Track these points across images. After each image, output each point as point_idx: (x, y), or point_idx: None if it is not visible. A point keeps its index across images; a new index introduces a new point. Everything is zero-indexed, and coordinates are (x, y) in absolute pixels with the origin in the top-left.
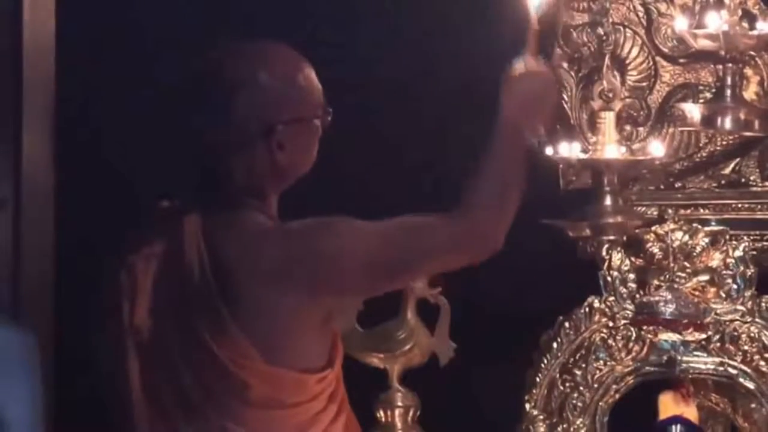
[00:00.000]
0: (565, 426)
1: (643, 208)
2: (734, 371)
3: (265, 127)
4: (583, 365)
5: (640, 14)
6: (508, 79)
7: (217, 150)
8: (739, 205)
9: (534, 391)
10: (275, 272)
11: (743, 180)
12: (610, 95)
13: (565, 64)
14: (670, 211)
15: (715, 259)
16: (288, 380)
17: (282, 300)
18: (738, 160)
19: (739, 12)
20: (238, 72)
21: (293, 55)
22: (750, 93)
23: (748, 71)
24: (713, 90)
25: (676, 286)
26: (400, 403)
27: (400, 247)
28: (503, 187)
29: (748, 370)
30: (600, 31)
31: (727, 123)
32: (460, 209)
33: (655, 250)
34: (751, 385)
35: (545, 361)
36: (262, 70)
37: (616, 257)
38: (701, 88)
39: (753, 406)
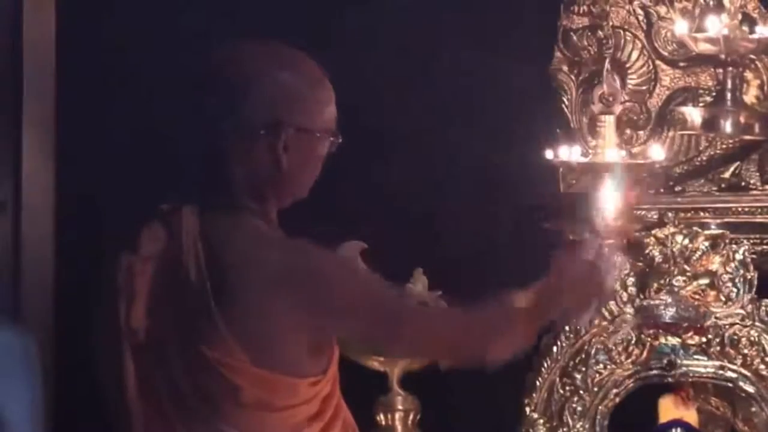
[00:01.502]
0: (565, 430)
1: (643, 212)
2: (734, 375)
3: (275, 122)
4: (583, 369)
5: (640, 18)
6: (563, 254)
7: (222, 144)
8: (739, 209)
9: (534, 394)
10: (272, 281)
11: (743, 183)
12: (610, 99)
13: (565, 68)
14: (670, 214)
15: (715, 263)
16: (278, 383)
17: (274, 309)
18: (738, 163)
19: (739, 16)
20: (264, 63)
21: (322, 72)
22: (750, 96)
23: (748, 75)
24: (713, 93)
25: (676, 289)
26: (400, 407)
27: (397, 305)
28: (513, 328)
29: (748, 374)
30: (600, 34)
31: (728, 126)
32: (470, 311)
33: (656, 253)
34: (750, 389)
35: (545, 365)
36: (289, 70)
37: (616, 261)
38: (701, 91)
39: (753, 409)
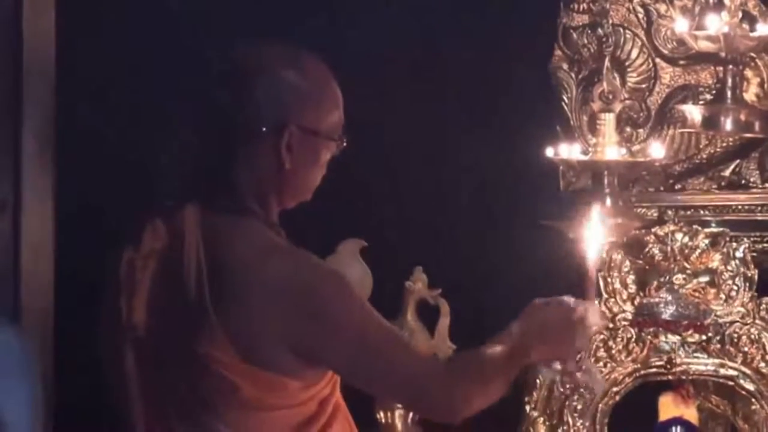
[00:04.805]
0: (565, 428)
1: (643, 210)
2: (734, 373)
3: (279, 121)
4: (584, 367)
5: (640, 15)
6: (537, 306)
7: (227, 142)
8: (739, 207)
9: (534, 393)
10: (266, 286)
11: (743, 181)
12: (610, 97)
13: (565, 66)
14: (670, 212)
15: (715, 261)
16: (272, 382)
17: (266, 314)
18: (738, 161)
19: (740, 13)
20: (273, 62)
21: (331, 75)
22: (750, 94)
23: (749, 73)
24: (713, 91)
25: (676, 287)
26: (400, 405)
27: (386, 344)
28: (484, 386)
29: (748, 372)
30: (600, 32)
31: (728, 124)
32: (442, 368)
33: (655, 251)
34: (751, 387)
35: None
36: (297, 71)
37: (616, 259)
38: (701, 89)
39: (753, 407)
